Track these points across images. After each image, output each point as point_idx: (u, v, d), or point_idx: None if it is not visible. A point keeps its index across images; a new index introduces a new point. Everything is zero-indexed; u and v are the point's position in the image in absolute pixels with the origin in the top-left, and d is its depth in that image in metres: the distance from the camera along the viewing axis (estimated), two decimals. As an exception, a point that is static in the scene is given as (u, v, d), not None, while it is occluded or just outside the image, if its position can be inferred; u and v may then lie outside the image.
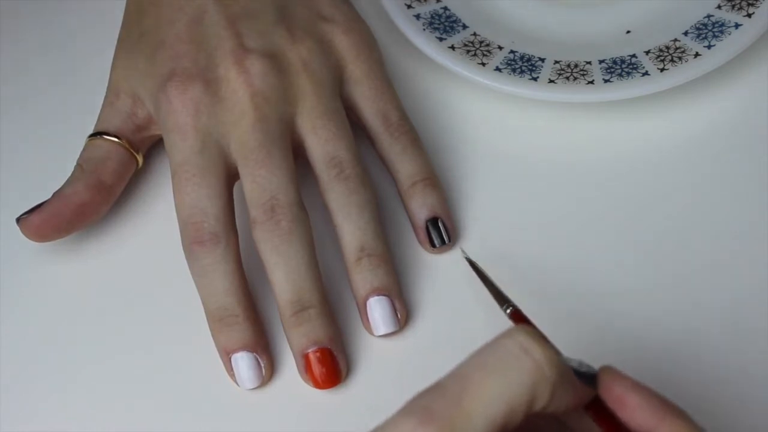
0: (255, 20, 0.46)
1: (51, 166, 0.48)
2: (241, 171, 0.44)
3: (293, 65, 0.46)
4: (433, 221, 0.46)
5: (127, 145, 0.48)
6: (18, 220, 0.46)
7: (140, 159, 0.48)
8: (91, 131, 0.48)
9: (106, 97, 0.49)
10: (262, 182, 0.43)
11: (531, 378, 0.31)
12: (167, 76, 0.45)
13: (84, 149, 0.48)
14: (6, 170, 0.51)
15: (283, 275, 0.43)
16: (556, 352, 0.32)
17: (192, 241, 0.44)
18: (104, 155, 0.47)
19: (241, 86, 0.44)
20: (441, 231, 0.46)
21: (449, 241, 0.46)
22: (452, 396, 0.30)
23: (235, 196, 0.45)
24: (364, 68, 0.48)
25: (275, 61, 0.45)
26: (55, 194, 0.47)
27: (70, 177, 0.47)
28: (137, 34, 0.48)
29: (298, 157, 0.45)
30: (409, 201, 0.47)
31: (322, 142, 0.45)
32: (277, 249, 0.43)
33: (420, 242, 0.47)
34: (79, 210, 0.47)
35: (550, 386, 0.31)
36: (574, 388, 0.32)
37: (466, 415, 0.30)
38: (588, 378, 0.33)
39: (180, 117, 0.45)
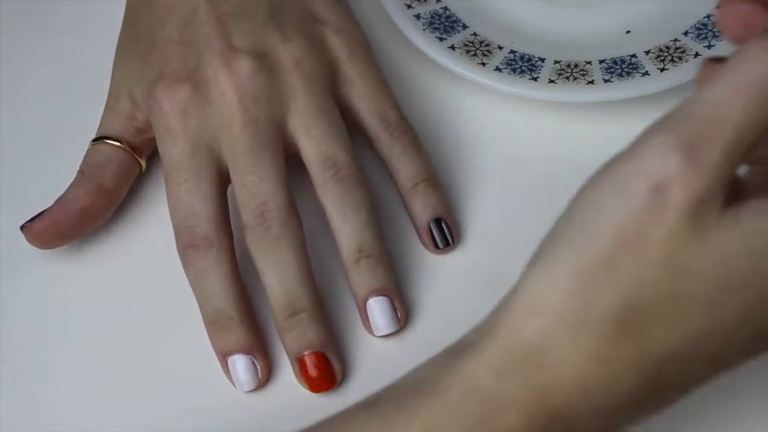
0: (245, 19, 0.46)
1: (58, 172, 0.48)
2: (232, 176, 0.44)
3: (284, 64, 0.45)
4: (436, 222, 0.46)
5: (128, 149, 0.48)
6: (22, 228, 0.46)
7: (143, 162, 0.48)
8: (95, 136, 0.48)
9: (107, 100, 0.49)
10: (251, 188, 0.43)
11: None
12: (156, 78, 0.45)
13: (86, 154, 0.48)
14: (11, 176, 0.51)
15: (275, 280, 0.43)
16: None
17: (185, 246, 0.44)
18: (105, 159, 0.47)
19: (229, 88, 0.44)
20: (444, 232, 0.46)
21: (453, 242, 0.46)
22: (711, 128, 0.29)
23: (230, 197, 0.45)
24: (359, 68, 0.47)
25: (265, 60, 0.45)
26: (56, 201, 0.47)
27: (71, 183, 0.47)
28: (134, 35, 0.48)
29: (291, 157, 0.45)
30: (411, 202, 0.47)
31: (315, 143, 0.45)
32: (267, 254, 0.43)
33: (423, 244, 0.47)
34: (80, 215, 0.47)
35: None
36: None
37: (732, 144, 0.29)
38: None
39: (169, 121, 0.44)
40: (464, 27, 0.51)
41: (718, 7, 0.35)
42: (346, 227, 0.44)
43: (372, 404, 0.34)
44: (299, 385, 0.43)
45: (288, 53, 0.45)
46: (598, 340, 0.31)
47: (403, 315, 0.44)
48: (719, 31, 0.48)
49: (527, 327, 0.31)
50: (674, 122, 0.30)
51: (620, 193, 0.30)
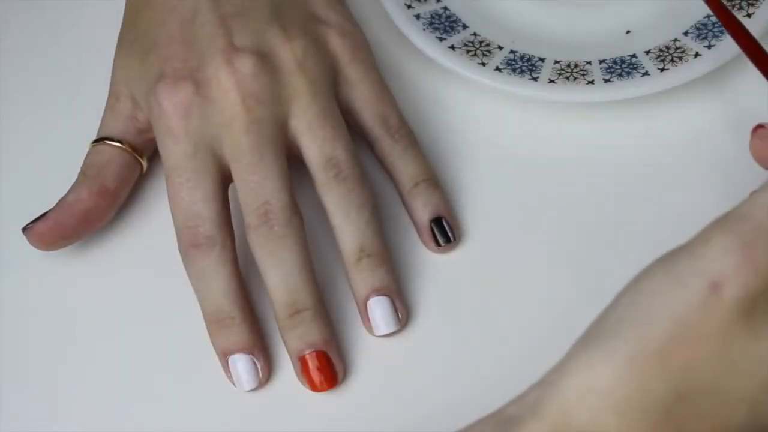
0: (248, 19, 0.46)
1: (57, 173, 0.48)
2: (234, 175, 0.44)
3: (287, 64, 0.45)
4: (437, 221, 0.46)
5: (130, 150, 0.48)
6: (24, 229, 0.46)
7: (144, 163, 0.48)
8: (94, 137, 0.48)
9: (107, 101, 0.49)
10: (254, 187, 0.43)
11: None
12: (157, 77, 0.45)
13: (87, 155, 0.48)
14: (11, 178, 0.51)
15: (278, 278, 0.43)
16: None
17: (188, 245, 0.44)
18: (107, 160, 0.47)
19: (232, 87, 0.44)
20: (445, 229, 0.46)
21: (454, 239, 0.46)
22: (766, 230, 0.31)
23: (231, 197, 0.45)
24: (360, 71, 0.48)
25: (267, 59, 0.45)
26: (59, 202, 0.47)
27: (73, 184, 0.47)
28: (133, 35, 0.48)
29: (292, 157, 0.45)
30: (411, 201, 0.47)
31: (318, 143, 0.45)
32: (271, 253, 0.43)
33: (424, 242, 0.47)
34: (83, 216, 0.47)
35: None
36: None
37: None
38: None
39: (171, 120, 0.44)
40: (464, 27, 0.51)
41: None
42: (348, 226, 0.44)
43: None
44: (299, 384, 0.43)
45: (290, 53, 0.46)
46: (644, 426, 0.31)
47: (404, 315, 0.44)
48: (719, 31, 0.49)
49: (579, 409, 0.32)
50: (732, 223, 0.32)
51: (679, 287, 0.31)
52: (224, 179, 0.45)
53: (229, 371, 0.43)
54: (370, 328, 0.44)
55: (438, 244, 0.46)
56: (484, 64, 0.49)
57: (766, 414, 0.31)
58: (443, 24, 0.51)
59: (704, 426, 0.31)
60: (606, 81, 0.48)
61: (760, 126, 0.37)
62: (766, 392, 0.31)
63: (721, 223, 0.32)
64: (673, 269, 0.32)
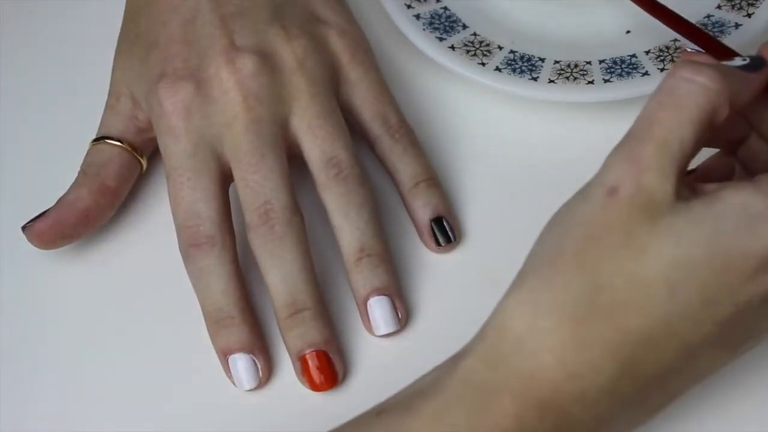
0: (248, 19, 0.46)
1: (56, 172, 0.48)
2: (235, 174, 0.44)
3: (287, 63, 0.45)
4: (437, 220, 0.46)
5: (129, 149, 0.48)
6: (23, 228, 0.46)
7: (144, 162, 0.48)
8: (94, 136, 0.48)
9: (107, 100, 0.49)
10: (255, 186, 0.43)
11: (703, 98, 0.35)
12: (158, 77, 0.45)
13: (87, 154, 0.48)
14: (10, 177, 0.51)
15: (278, 278, 0.43)
16: (717, 68, 0.35)
17: (188, 245, 0.44)
18: (106, 159, 0.47)
19: (232, 86, 0.44)
20: (445, 229, 0.46)
21: (454, 239, 0.46)
22: (644, 136, 0.35)
23: (231, 196, 0.45)
24: (360, 70, 0.48)
25: (268, 59, 0.45)
26: (59, 201, 0.47)
27: (73, 183, 0.47)
28: (134, 35, 0.48)
29: (293, 156, 0.45)
30: (412, 201, 0.47)
31: (318, 142, 0.45)
32: (271, 253, 0.43)
33: (424, 242, 0.47)
34: (83, 215, 0.47)
35: (723, 95, 0.35)
36: (746, 81, 0.36)
37: (662, 143, 0.34)
38: (755, 65, 0.37)
39: (171, 119, 0.45)
40: (464, 27, 0.51)
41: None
42: (348, 226, 0.44)
43: (382, 410, 0.36)
44: (300, 384, 0.43)
45: (291, 53, 0.46)
46: (574, 323, 0.34)
47: (404, 315, 0.44)
48: (719, 31, 0.49)
49: (513, 320, 0.35)
50: (621, 142, 0.35)
51: (585, 201, 0.35)
52: (225, 179, 0.45)
53: (229, 371, 0.43)
54: (370, 328, 0.44)
55: (438, 243, 0.46)
56: (484, 64, 0.49)
57: (685, 294, 0.34)
58: (443, 24, 0.51)
59: (630, 311, 0.34)
60: (606, 81, 0.48)
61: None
62: (677, 270, 0.34)
63: (614, 147, 0.36)
64: (580, 192, 0.36)
